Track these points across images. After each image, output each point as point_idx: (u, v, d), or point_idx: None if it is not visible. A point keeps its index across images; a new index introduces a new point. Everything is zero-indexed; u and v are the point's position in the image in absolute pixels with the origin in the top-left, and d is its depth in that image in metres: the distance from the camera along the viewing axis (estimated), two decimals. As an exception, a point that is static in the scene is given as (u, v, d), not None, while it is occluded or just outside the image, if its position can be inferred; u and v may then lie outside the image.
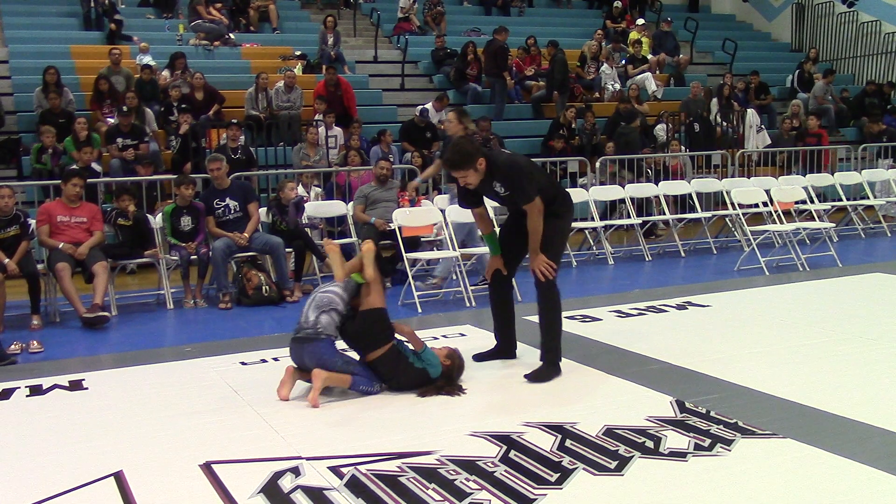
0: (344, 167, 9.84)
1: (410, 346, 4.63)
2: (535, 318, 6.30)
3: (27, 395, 4.82)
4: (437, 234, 8.11)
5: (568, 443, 3.78)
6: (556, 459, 3.59)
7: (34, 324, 6.71)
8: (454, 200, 7.16)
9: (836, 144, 13.57)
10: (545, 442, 3.79)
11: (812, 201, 10.20)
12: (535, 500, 3.22)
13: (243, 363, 5.35)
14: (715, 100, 13.74)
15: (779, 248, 9.11)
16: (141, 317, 7.26)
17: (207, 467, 3.61)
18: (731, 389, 4.52)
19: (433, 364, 4.62)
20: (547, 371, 4.83)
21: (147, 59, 12.43)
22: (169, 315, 7.29)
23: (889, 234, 10.92)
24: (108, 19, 13.54)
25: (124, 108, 10.67)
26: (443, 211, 7.87)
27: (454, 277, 7.68)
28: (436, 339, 5.67)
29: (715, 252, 9.89)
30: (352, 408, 4.38)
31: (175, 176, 8.57)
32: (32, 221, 7.13)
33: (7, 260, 6.67)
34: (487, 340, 5.53)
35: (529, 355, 5.30)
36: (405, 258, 7.41)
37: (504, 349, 5.25)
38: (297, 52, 14.08)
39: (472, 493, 3.28)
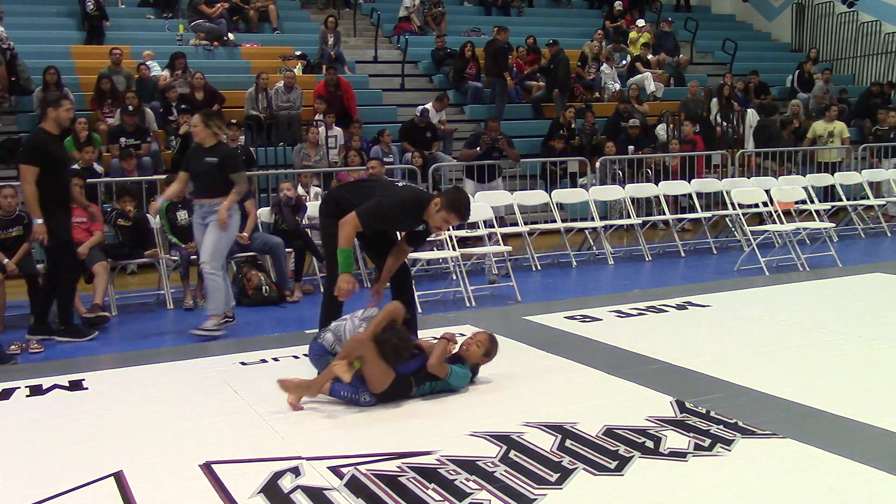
0: (344, 167, 9.84)
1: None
2: (534, 318, 6.39)
3: (27, 395, 4.81)
4: (436, 234, 8.10)
5: (568, 443, 3.78)
6: (556, 459, 3.59)
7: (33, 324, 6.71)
8: None
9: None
10: (545, 442, 3.79)
11: (812, 201, 10.21)
12: (535, 500, 3.22)
13: (243, 363, 5.35)
14: (715, 100, 13.73)
15: (779, 248, 9.11)
16: (141, 317, 7.26)
17: (207, 467, 3.61)
18: (731, 389, 4.52)
19: (460, 383, 4.57)
20: None
21: (154, 66, 12.43)
22: (169, 315, 7.29)
23: (889, 234, 10.92)
24: (87, 19, 13.53)
25: (129, 108, 10.67)
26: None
27: (454, 278, 7.68)
28: (435, 339, 5.65)
29: (715, 252, 9.89)
30: (352, 408, 4.36)
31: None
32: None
33: (7, 260, 6.67)
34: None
35: (530, 355, 5.31)
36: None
37: None
38: (297, 52, 14.08)
39: (472, 493, 3.27)
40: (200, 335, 6.20)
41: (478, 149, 10.21)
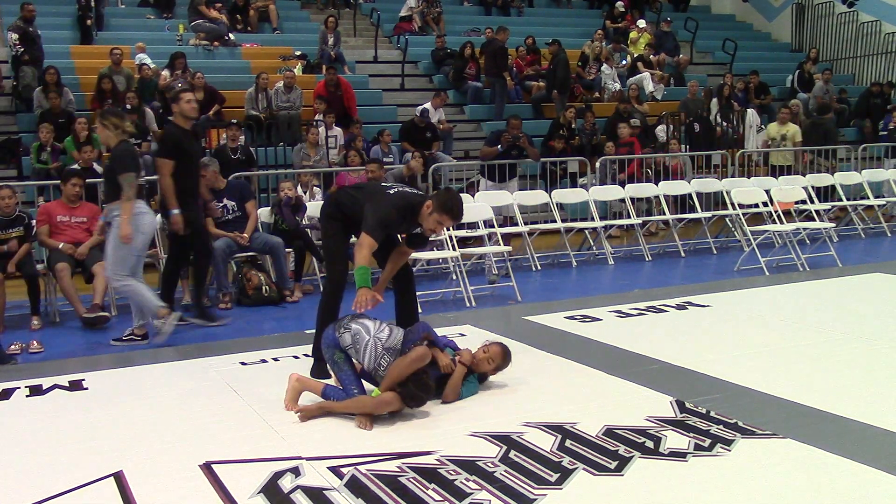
0: (344, 167, 9.83)
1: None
2: (534, 318, 6.40)
3: (27, 395, 4.81)
4: (434, 236, 8.10)
5: (568, 443, 3.78)
6: (556, 459, 3.59)
7: (34, 324, 6.72)
8: None
9: (837, 144, 13.58)
10: (545, 442, 3.79)
11: (813, 201, 10.21)
12: (535, 500, 3.22)
13: (243, 363, 5.35)
14: (715, 100, 13.74)
15: (779, 248, 9.11)
16: (141, 317, 7.25)
17: (207, 467, 3.61)
18: (731, 389, 4.52)
19: (467, 395, 4.54)
20: None
21: (145, 58, 12.44)
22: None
23: (889, 234, 10.92)
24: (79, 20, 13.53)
25: (127, 108, 10.68)
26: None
27: (454, 278, 7.68)
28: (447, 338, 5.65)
29: (715, 252, 9.89)
30: (352, 408, 4.36)
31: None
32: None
33: (5, 246, 6.70)
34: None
35: (530, 355, 5.31)
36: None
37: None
38: (297, 52, 14.09)
39: (472, 493, 3.27)
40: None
41: (499, 147, 10.21)
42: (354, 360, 4.37)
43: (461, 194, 5.79)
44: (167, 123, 6.50)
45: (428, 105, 12.25)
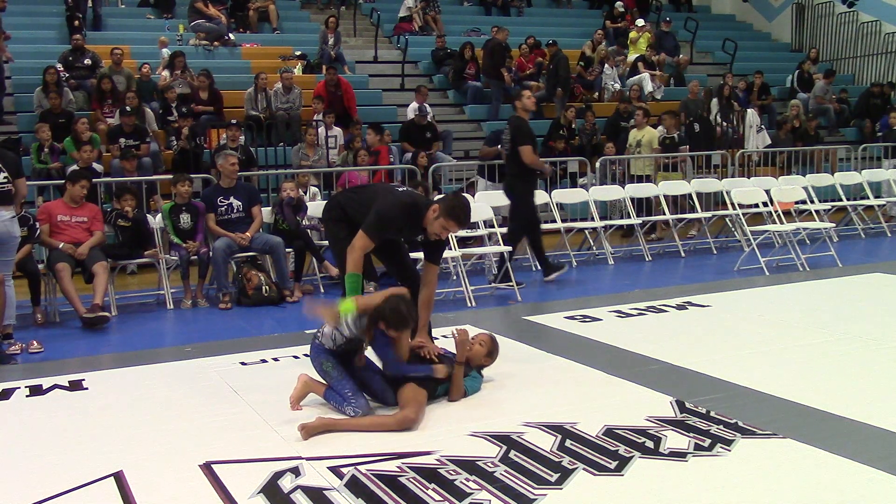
0: (354, 167, 9.83)
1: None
2: (534, 318, 6.40)
3: (27, 395, 4.82)
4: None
5: (568, 443, 3.78)
6: (556, 459, 3.59)
7: (38, 318, 6.74)
8: None
9: (836, 144, 13.58)
10: (545, 442, 3.79)
11: (812, 201, 10.21)
12: (535, 500, 3.22)
13: (243, 363, 5.35)
14: (715, 100, 13.73)
15: (779, 248, 9.10)
16: (141, 317, 7.26)
17: (207, 467, 3.61)
18: (731, 389, 4.52)
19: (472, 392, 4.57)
20: None
21: (166, 52, 12.52)
22: (169, 315, 7.29)
23: (889, 234, 10.92)
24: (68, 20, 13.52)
25: (127, 109, 10.67)
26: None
27: (454, 278, 7.68)
28: (436, 339, 5.66)
29: (715, 252, 9.89)
30: (352, 408, 4.36)
31: (171, 176, 8.54)
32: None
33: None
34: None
35: (530, 355, 5.31)
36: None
37: None
38: (297, 52, 14.09)
39: (472, 493, 3.28)
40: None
41: (499, 146, 10.21)
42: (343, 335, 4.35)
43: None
44: (517, 117, 7.96)
45: (415, 103, 12.16)
